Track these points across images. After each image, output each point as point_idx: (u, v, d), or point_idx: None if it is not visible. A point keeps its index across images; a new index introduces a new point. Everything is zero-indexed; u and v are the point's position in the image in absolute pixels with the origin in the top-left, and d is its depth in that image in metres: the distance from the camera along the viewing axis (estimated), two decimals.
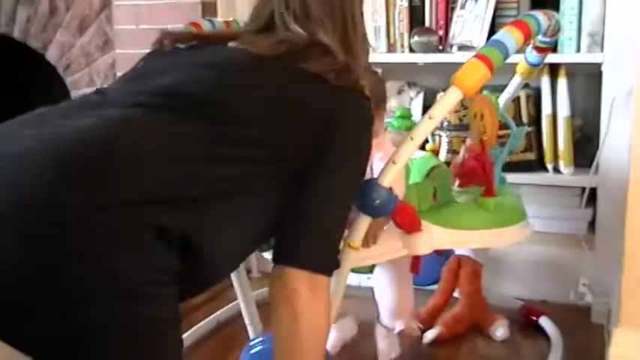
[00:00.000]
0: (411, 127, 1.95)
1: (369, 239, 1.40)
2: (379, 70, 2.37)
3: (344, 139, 1.18)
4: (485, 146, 1.63)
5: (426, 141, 2.03)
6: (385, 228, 1.43)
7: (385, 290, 1.67)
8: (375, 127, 1.62)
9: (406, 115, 2.00)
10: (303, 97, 1.18)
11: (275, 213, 1.14)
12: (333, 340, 1.79)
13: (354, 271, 1.40)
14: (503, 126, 1.78)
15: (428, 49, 2.27)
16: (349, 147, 1.19)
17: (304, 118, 1.16)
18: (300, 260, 1.14)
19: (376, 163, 1.56)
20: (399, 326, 1.68)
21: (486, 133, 1.61)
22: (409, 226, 1.43)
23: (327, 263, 1.17)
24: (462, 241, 1.60)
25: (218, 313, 2.07)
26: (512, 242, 1.69)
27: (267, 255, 1.50)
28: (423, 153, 1.93)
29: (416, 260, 1.69)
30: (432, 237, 1.48)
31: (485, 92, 1.71)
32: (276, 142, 1.13)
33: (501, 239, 1.66)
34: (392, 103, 2.36)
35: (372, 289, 1.74)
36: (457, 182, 1.76)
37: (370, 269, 1.68)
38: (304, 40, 1.22)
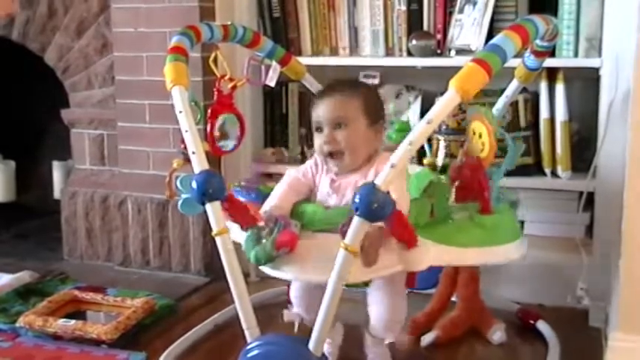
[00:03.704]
0: None
1: (369, 259, 1.41)
2: (377, 74, 2.40)
3: None
4: (482, 164, 1.63)
5: (424, 154, 2.03)
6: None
7: (379, 303, 1.67)
8: (375, 144, 1.64)
9: (404, 129, 2.00)
10: None
11: None
12: (328, 347, 1.79)
13: (349, 286, 1.40)
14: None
15: (426, 53, 2.27)
16: None
17: None
18: None
19: None
20: (389, 339, 1.68)
21: (484, 151, 1.61)
22: (406, 237, 1.43)
23: None
24: (458, 258, 1.61)
25: (216, 316, 2.08)
26: (508, 260, 1.69)
27: (267, 270, 1.51)
28: (420, 168, 1.93)
29: (411, 276, 1.69)
30: (429, 253, 1.49)
31: (483, 108, 1.71)
32: None
33: (497, 257, 1.66)
34: (390, 107, 2.37)
35: (365, 293, 1.73)
36: (453, 197, 1.76)
37: (366, 284, 1.68)
38: None
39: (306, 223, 1.55)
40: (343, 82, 1.73)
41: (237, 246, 1.50)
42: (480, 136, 1.64)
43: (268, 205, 1.59)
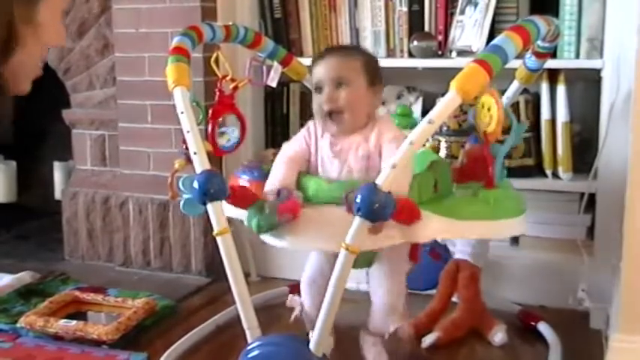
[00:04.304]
0: (412, 124, 1.97)
1: (376, 227, 1.40)
2: None
3: None
4: (488, 139, 1.62)
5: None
6: None
7: (380, 287, 1.67)
8: (372, 105, 1.63)
9: (407, 113, 2.00)
10: None
11: None
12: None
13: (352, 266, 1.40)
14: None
15: (427, 54, 2.27)
16: None
17: None
18: None
19: (386, 146, 1.57)
20: (392, 325, 1.67)
21: (491, 125, 1.60)
22: (409, 219, 1.42)
23: None
24: (461, 231, 1.59)
25: (217, 316, 2.07)
26: (511, 234, 1.69)
27: (266, 238, 1.51)
28: (422, 147, 1.92)
29: (415, 248, 1.69)
30: (432, 226, 1.47)
31: (494, 85, 1.70)
32: None
33: (500, 231, 1.65)
34: (391, 108, 2.37)
35: (365, 294, 1.73)
36: (456, 177, 1.75)
37: (368, 264, 1.67)
38: None
39: (310, 197, 1.54)
40: (342, 46, 1.73)
41: (238, 246, 1.50)
42: (489, 109, 1.63)
43: (270, 185, 1.58)
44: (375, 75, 1.65)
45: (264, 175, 1.65)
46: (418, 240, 1.51)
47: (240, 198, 1.53)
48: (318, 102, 1.62)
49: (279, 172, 1.60)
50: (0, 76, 1.11)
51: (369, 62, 1.65)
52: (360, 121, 1.61)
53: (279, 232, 1.49)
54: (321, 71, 1.62)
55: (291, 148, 1.67)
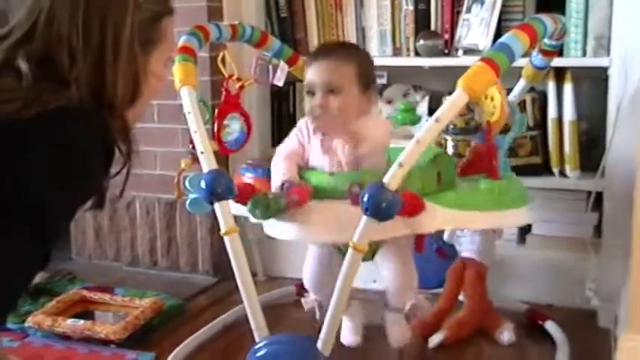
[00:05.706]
0: (415, 120, 1.98)
1: None
2: (384, 74, 2.40)
3: None
4: (491, 129, 1.62)
5: None
6: None
7: (391, 271, 1.67)
8: (365, 106, 1.63)
9: (410, 109, 2.00)
10: None
11: None
12: (350, 331, 1.78)
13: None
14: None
15: (433, 52, 2.27)
16: None
17: None
18: None
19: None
20: (409, 302, 1.67)
21: (495, 115, 1.60)
22: (413, 211, 1.42)
23: None
24: (465, 222, 1.59)
25: (224, 316, 2.08)
26: (515, 225, 1.68)
27: (271, 231, 1.52)
28: None
29: (420, 239, 1.69)
30: (436, 217, 1.48)
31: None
32: None
33: (504, 221, 1.66)
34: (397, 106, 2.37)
35: (376, 292, 1.73)
36: (460, 170, 1.75)
37: (371, 256, 1.67)
38: None
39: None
40: (336, 46, 1.71)
41: (245, 245, 1.50)
42: (492, 99, 1.62)
43: (275, 182, 1.59)
44: (368, 79, 1.64)
45: (268, 173, 1.65)
46: (422, 231, 1.52)
47: (248, 196, 1.53)
48: (310, 105, 1.61)
49: (281, 168, 1.61)
50: (125, 122, 1.15)
51: (363, 67, 1.63)
52: (351, 122, 1.59)
53: (287, 228, 1.50)
54: (314, 75, 1.61)
55: (286, 147, 1.67)
